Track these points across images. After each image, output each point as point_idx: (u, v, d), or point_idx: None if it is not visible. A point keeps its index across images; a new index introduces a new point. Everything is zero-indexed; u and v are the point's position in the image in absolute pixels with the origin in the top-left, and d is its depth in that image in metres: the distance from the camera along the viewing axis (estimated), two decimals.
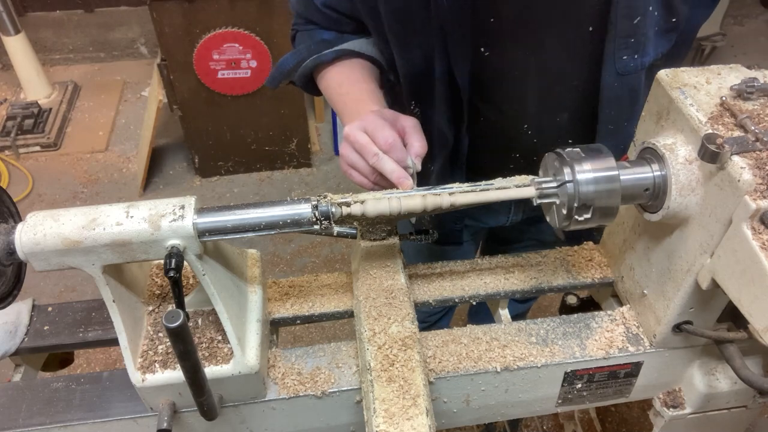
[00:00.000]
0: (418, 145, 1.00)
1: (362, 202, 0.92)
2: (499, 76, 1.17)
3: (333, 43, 1.23)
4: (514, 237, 1.70)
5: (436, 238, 1.13)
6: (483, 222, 1.57)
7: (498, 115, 1.24)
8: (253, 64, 3.04)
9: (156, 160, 3.52)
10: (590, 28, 1.09)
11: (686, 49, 1.22)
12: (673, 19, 1.09)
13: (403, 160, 0.98)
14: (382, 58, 1.23)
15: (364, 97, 1.14)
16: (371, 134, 0.98)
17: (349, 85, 1.18)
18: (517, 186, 0.94)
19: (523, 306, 2.11)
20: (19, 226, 0.81)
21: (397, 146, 0.98)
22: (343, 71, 1.21)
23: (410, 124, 1.02)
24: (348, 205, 0.91)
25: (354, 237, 1.03)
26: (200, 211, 0.84)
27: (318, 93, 1.30)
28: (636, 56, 1.09)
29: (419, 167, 0.99)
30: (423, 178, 1.29)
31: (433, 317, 1.94)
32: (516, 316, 1.97)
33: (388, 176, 0.96)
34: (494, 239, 1.81)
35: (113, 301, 0.87)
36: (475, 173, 1.26)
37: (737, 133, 0.83)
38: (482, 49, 1.12)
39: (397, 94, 1.28)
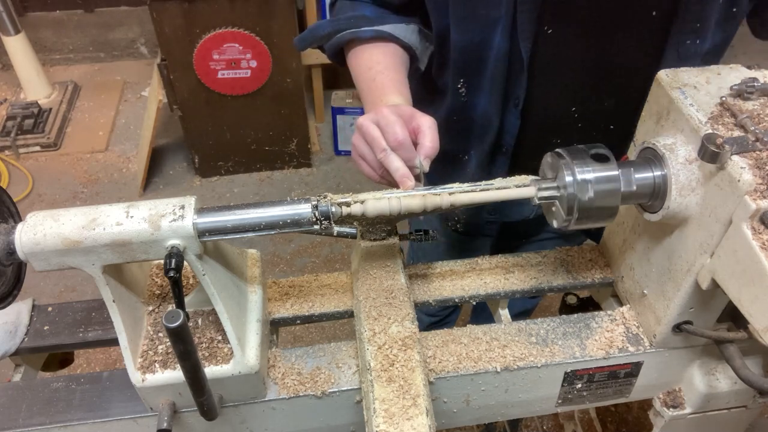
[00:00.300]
0: (429, 145, 0.98)
1: (362, 202, 0.92)
2: (556, 55, 1.16)
3: (374, 21, 1.20)
4: (533, 230, 1.67)
5: (436, 237, 1.13)
6: (507, 215, 1.52)
7: (548, 98, 1.21)
8: (253, 64, 3.04)
9: (156, 160, 3.52)
10: (654, 13, 1.09)
11: (728, 44, 1.21)
12: (734, 9, 1.09)
13: (411, 160, 0.97)
14: (421, 45, 1.21)
15: (389, 86, 1.12)
16: (383, 129, 0.97)
17: (379, 71, 1.15)
18: (517, 186, 0.94)
19: (531, 302, 2.08)
20: (19, 226, 0.81)
21: (406, 145, 0.97)
22: (377, 54, 1.18)
23: (426, 123, 0.99)
24: (348, 205, 0.91)
25: (354, 237, 1.03)
26: (200, 211, 0.84)
27: (343, 64, 1.27)
28: (698, 41, 1.10)
29: (427, 168, 0.98)
30: (458, 171, 1.27)
31: (445, 311, 1.92)
32: (523, 313, 1.96)
33: (393, 174, 0.96)
34: (512, 232, 1.73)
35: (113, 301, 0.87)
36: (516, 163, 1.24)
37: (737, 133, 0.83)
38: (546, 27, 1.10)
39: (429, 81, 1.25)
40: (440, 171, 1.16)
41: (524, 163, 1.20)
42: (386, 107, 1.00)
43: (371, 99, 1.12)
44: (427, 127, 0.99)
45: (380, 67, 1.15)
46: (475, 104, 1.19)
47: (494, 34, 1.11)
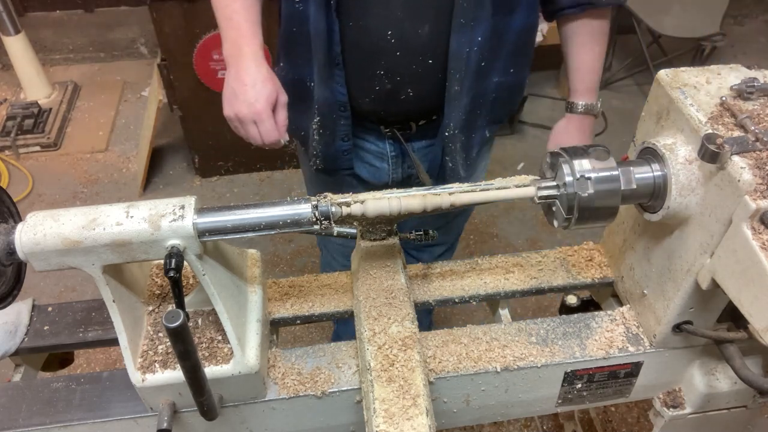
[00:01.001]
0: (281, 118, 1.20)
1: (362, 202, 0.92)
2: None
3: None
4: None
5: (436, 237, 1.13)
6: (361, 146, 1.54)
7: (365, 16, 1.25)
8: None
9: (156, 160, 3.52)
10: None
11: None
12: None
13: (272, 132, 1.18)
14: None
15: (246, 32, 1.23)
16: (258, 127, 1.17)
17: (235, 10, 1.24)
18: (517, 186, 0.94)
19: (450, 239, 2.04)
20: (19, 226, 0.81)
21: (268, 125, 1.17)
22: None
23: (283, 99, 1.20)
24: (348, 205, 0.91)
25: (354, 237, 1.03)
26: (200, 211, 0.84)
27: None
28: None
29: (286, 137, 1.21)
30: (305, 98, 1.38)
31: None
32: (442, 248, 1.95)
33: (259, 143, 1.20)
34: None
35: (113, 301, 0.87)
36: (351, 82, 1.33)
37: (737, 133, 0.83)
38: None
39: None
40: (293, 107, 1.28)
41: (359, 83, 1.32)
42: (250, 85, 1.15)
43: (230, 45, 1.23)
44: (282, 104, 1.19)
45: (236, 6, 1.24)
46: (307, 13, 1.27)
47: None
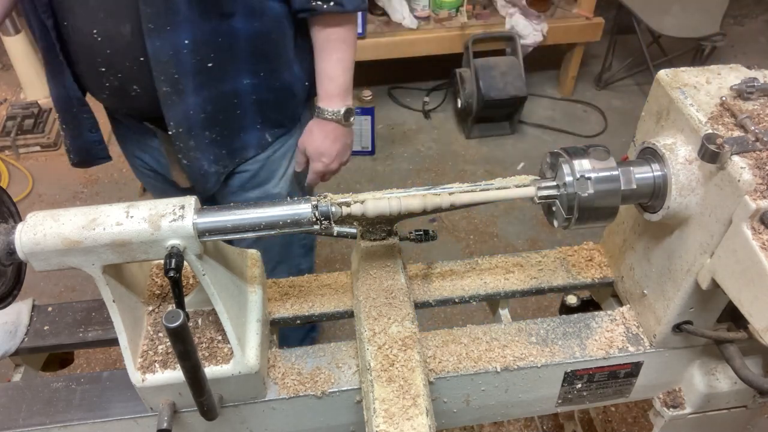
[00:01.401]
0: None
1: (362, 202, 0.92)
2: None
3: None
4: None
5: (436, 237, 1.13)
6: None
7: (71, 16, 1.28)
8: None
9: None
10: None
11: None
12: None
13: None
14: None
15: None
16: None
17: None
18: (517, 186, 0.94)
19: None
20: (19, 226, 0.81)
21: None
22: None
23: None
24: (348, 205, 0.91)
25: (354, 237, 1.03)
26: (200, 211, 0.84)
27: None
28: None
29: None
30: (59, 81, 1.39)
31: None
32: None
33: None
34: None
35: (113, 301, 0.87)
36: (85, 82, 1.37)
37: (737, 133, 0.83)
38: None
39: None
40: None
41: (89, 79, 1.36)
42: None
43: None
44: None
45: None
46: (27, 14, 1.31)
47: None
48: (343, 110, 1.49)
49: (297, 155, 1.61)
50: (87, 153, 1.51)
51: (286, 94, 1.51)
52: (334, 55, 1.44)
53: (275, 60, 1.44)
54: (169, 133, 1.39)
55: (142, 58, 1.29)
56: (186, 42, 1.28)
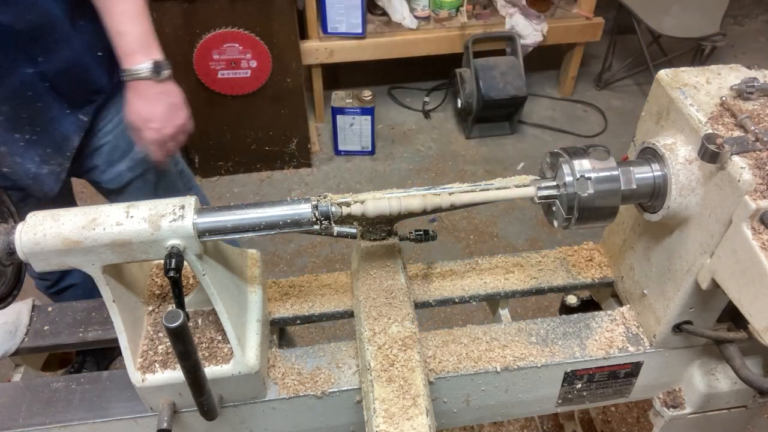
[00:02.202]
0: None
1: (362, 202, 0.92)
2: None
3: None
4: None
5: (436, 237, 1.13)
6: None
7: None
8: (253, 64, 3.03)
9: None
10: None
11: None
12: None
13: None
14: None
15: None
16: None
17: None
18: (517, 186, 0.94)
19: None
20: (19, 226, 0.81)
21: None
22: None
23: None
24: (348, 205, 0.91)
25: (354, 237, 1.03)
26: (200, 211, 0.84)
27: None
28: None
29: None
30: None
31: None
32: None
33: None
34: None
35: (113, 301, 0.87)
36: None
37: (737, 133, 0.83)
38: None
39: None
40: None
41: None
42: None
43: None
44: None
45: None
46: None
47: None
48: (147, 64, 1.35)
49: (130, 133, 1.46)
50: None
51: (78, 70, 1.41)
52: (116, 7, 1.30)
53: (49, 41, 1.34)
54: None
55: None
56: None
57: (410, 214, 0.94)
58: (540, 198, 0.92)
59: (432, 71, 3.85)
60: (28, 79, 1.35)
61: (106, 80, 1.50)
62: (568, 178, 0.88)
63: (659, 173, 0.89)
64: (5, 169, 1.40)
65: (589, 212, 0.89)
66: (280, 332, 1.18)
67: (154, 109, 1.37)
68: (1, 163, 1.39)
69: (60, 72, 1.39)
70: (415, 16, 3.45)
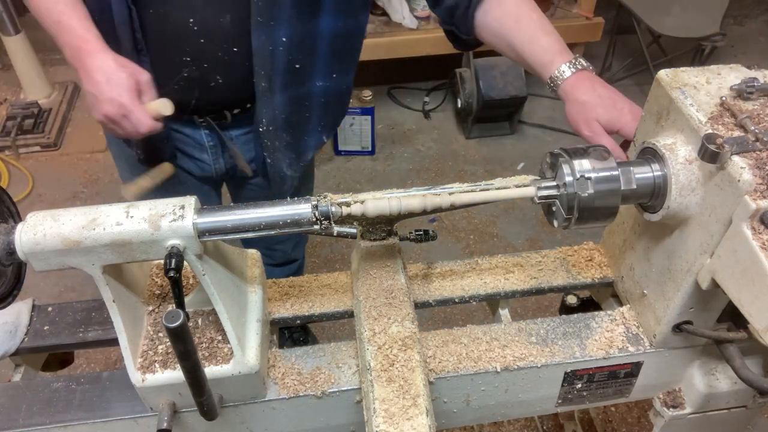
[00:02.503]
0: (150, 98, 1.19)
1: (362, 202, 0.92)
2: None
3: None
4: None
5: (436, 237, 1.13)
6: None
7: (164, 4, 1.23)
8: None
9: None
10: None
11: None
12: None
13: (144, 120, 1.16)
14: None
15: (79, 30, 1.17)
16: (131, 122, 1.15)
17: (62, 12, 1.16)
18: (517, 186, 0.94)
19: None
20: (19, 226, 0.81)
21: (138, 114, 1.15)
22: None
23: (144, 79, 1.18)
24: (348, 205, 0.91)
25: (354, 237, 1.03)
26: (200, 211, 0.84)
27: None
28: None
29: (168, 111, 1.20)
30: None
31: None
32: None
33: (137, 137, 1.18)
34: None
35: (113, 301, 0.87)
36: (159, 72, 1.27)
37: (737, 133, 0.83)
38: None
39: None
40: None
41: (165, 69, 1.29)
42: (104, 81, 1.12)
43: (69, 51, 1.17)
44: (146, 83, 1.18)
45: (60, 7, 1.17)
46: (108, 1, 1.22)
47: None
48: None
49: None
50: (155, 149, 1.42)
51: (347, 96, 1.49)
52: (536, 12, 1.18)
53: (349, 61, 1.42)
54: (260, 130, 1.37)
55: (236, 49, 1.26)
56: (283, 39, 1.26)
57: (410, 214, 0.94)
58: (540, 198, 0.92)
59: (432, 71, 3.85)
60: (315, 91, 1.39)
61: None
62: (568, 178, 0.88)
63: (659, 173, 0.89)
64: (269, 161, 1.45)
65: (589, 212, 0.89)
66: (304, 330, 1.16)
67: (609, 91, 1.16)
68: (271, 154, 1.44)
69: (337, 93, 1.44)
70: (415, 16, 3.45)
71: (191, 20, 1.24)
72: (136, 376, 0.92)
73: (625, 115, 1.04)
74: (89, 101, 1.16)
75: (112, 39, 1.26)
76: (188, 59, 1.28)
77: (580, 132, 1.06)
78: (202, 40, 1.26)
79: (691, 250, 0.90)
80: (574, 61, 1.10)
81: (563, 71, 1.09)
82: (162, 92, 1.28)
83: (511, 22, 1.15)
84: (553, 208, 0.94)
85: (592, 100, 1.06)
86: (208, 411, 0.91)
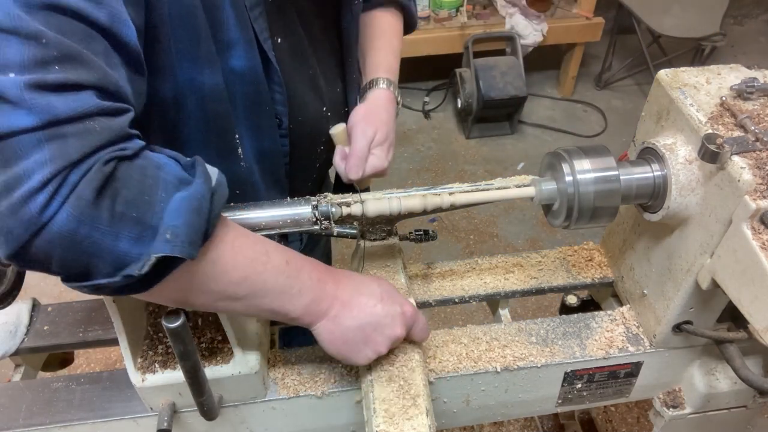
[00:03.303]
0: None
1: (362, 202, 0.92)
2: (287, 62, 1.02)
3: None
4: None
5: (436, 237, 1.13)
6: None
7: (302, 107, 1.06)
8: None
9: None
10: None
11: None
12: None
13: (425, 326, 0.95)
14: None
15: (322, 268, 0.85)
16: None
17: (288, 255, 0.81)
18: (517, 186, 0.94)
19: None
20: None
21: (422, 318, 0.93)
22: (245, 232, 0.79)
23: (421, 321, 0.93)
24: (348, 205, 0.91)
25: (354, 237, 1.03)
26: None
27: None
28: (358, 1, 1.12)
29: None
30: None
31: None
32: None
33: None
34: None
35: (113, 301, 0.87)
36: (293, 188, 1.12)
37: (737, 133, 0.83)
38: (277, 39, 0.98)
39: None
40: None
41: (300, 187, 1.15)
42: (382, 298, 0.87)
43: (310, 297, 0.82)
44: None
45: (272, 246, 0.81)
46: (229, 159, 1.00)
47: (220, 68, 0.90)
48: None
49: None
50: None
51: None
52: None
53: None
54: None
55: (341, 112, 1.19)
56: None
57: (410, 214, 0.94)
58: (540, 198, 0.92)
59: (432, 71, 3.85)
60: None
61: None
62: (568, 178, 0.88)
63: (659, 173, 0.89)
64: None
65: (589, 212, 0.89)
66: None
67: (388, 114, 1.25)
68: None
69: None
70: None
71: (324, 108, 1.12)
72: (136, 376, 0.92)
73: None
74: (358, 342, 0.86)
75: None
76: (323, 140, 1.15)
77: (356, 127, 1.09)
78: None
79: (691, 250, 0.90)
80: (391, 79, 1.18)
81: (379, 82, 1.16)
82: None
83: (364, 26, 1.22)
84: (553, 208, 0.94)
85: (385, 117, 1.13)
86: (208, 411, 0.91)
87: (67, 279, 0.65)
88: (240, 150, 0.99)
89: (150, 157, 0.67)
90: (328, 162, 1.20)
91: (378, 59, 1.21)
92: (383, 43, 1.24)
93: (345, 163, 1.07)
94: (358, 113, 1.11)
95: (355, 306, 0.85)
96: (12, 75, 0.59)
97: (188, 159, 0.73)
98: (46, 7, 0.61)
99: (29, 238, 0.60)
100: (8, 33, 0.59)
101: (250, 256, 0.76)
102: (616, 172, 0.88)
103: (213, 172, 0.73)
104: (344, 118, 1.16)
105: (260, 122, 0.99)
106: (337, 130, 1.11)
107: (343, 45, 1.15)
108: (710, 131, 0.83)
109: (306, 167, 1.17)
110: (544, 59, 3.83)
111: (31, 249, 0.61)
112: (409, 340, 0.92)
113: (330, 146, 1.15)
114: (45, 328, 1.13)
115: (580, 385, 1.09)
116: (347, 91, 1.20)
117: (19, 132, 0.58)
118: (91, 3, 0.65)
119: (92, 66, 0.63)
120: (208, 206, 0.69)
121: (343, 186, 1.10)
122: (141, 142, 0.67)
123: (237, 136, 0.97)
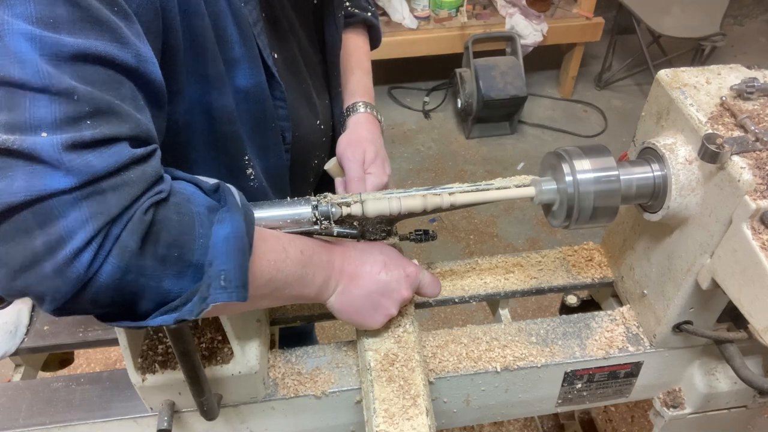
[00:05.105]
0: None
1: (362, 202, 0.92)
2: (286, 77, 1.02)
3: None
4: None
5: (436, 237, 1.13)
6: None
7: (299, 121, 1.07)
8: None
9: None
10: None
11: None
12: None
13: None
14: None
15: (328, 246, 0.91)
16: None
17: (301, 245, 0.85)
18: (517, 186, 0.94)
19: None
20: None
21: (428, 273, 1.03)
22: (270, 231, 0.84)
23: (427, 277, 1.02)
24: (348, 205, 0.91)
25: (354, 237, 1.03)
26: None
27: None
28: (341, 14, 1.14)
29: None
30: None
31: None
32: None
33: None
34: None
35: None
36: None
37: (737, 133, 0.83)
38: (274, 54, 0.98)
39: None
40: None
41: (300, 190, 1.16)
42: (388, 265, 0.93)
43: (323, 276, 0.88)
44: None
45: (290, 239, 0.85)
46: (258, 166, 1.01)
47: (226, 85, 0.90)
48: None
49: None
50: None
51: None
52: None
53: None
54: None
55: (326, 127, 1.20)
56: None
57: (410, 214, 0.94)
58: (540, 198, 0.92)
59: (432, 71, 3.86)
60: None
61: None
62: (568, 178, 0.88)
63: (659, 173, 0.89)
64: None
65: (589, 212, 0.89)
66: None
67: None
68: None
69: None
70: (415, 16, 3.45)
71: (318, 122, 1.14)
72: (136, 376, 0.92)
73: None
74: (370, 306, 0.92)
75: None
76: (318, 153, 1.18)
77: (344, 156, 1.10)
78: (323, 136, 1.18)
79: (691, 250, 0.90)
80: (369, 101, 1.23)
81: (357, 107, 1.20)
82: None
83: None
84: (553, 208, 0.94)
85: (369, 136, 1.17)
86: (208, 411, 0.91)
87: (106, 318, 0.66)
88: (250, 170, 0.99)
89: (178, 191, 0.68)
90: (319, 176, 1.22)
91: (353, 85, 1.23)
92: (354, 65, 1.25)
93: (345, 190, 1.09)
94: (342, 142, 1.12)
95: (360, 276, 0.91)
96: (44, 135, 0.57)
97: (208, 182, 0.73)
98: (74, 58, 0.60)
99: (76, 293, 0.60)
100: (38, 92, 0.58)
101: (272, 258, 0.79)
102: (616, 172, 0.88)
103: (235, 193, 0.74)
104: (332, 129, 1.18)
105: (267, 139, 1.00)
106: (330, 164, 1.13)
107: (327, 57, 1.15)
108: (710, 131, 0.83)
109: (303, 181, 1.18)
110: (544, 59, 3.84)
111: (77, 302, 0.61)
112: (422, 296, 1.01)
113: (321, 161, 1.17)
114: (45, 328, 1.13)
115: (580, 385, 1.09)
116: (332, 104, 1.20)
117: (58, 193, 0.57)
118: (117, 45, 0.64)
119: (124, 116, 0.63)
120: (248, 240, 0.70)
121: None
122: (168, 177, 0.68)
123: (247, 157, 0.97)
